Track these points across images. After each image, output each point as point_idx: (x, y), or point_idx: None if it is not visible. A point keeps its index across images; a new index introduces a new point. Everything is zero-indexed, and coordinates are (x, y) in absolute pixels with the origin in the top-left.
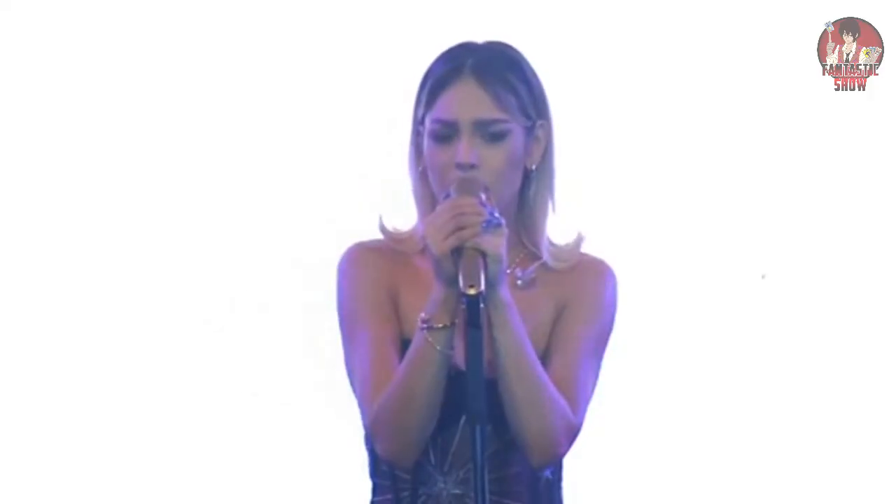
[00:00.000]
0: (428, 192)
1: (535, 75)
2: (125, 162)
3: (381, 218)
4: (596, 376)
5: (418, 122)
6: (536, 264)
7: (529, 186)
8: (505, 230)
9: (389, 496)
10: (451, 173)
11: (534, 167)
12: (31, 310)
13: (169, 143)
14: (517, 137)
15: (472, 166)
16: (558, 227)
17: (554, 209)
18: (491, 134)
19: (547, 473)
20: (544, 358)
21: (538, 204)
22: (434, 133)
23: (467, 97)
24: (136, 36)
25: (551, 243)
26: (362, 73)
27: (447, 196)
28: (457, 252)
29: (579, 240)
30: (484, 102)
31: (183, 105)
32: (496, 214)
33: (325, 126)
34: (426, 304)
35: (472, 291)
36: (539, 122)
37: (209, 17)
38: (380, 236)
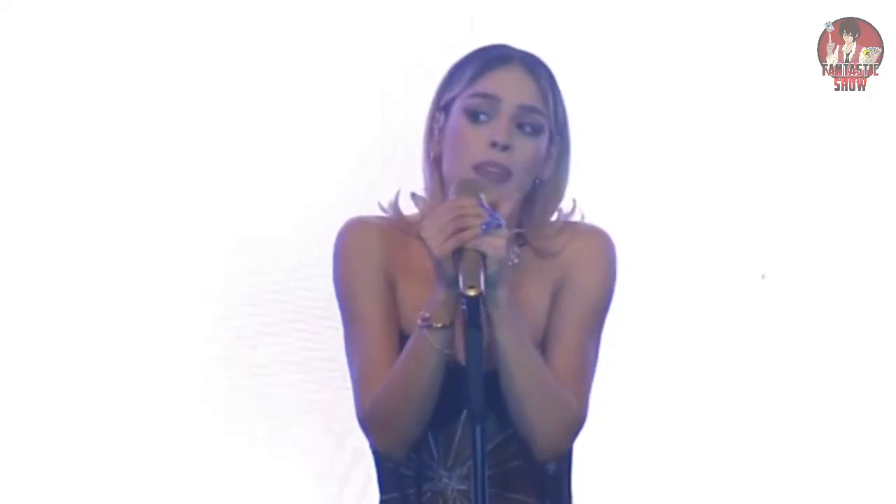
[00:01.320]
0: (437, 179)
1: (560, 92)
2: (124, 161)
3: (397, 195)
4: (596, 357)
5: (439, 108)
6: (524, 249)
7: (536, 199)
8: (505, 231)
9: (396, 494)
10: (480, 153)
11: (544, 179)
12: (26, 309)
13: (167, 142)
14: (545, 137)
15: (507, 147)
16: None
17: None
18: (528, 124)
19: (552, 466)
20: (544, 341)
21: (545, 216)
22: (471, 107)
23: (515, 80)
24: (135, 34)
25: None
26: (365, 70)
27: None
28: (457, 253)
29: (572, 212)
30: (530, 89)
31: (181, 104)
32: (496, 215)
33: (326, 121)
34: (426, 299)
35: (472, 293)
36: (558, 137)
37: (207, 16)
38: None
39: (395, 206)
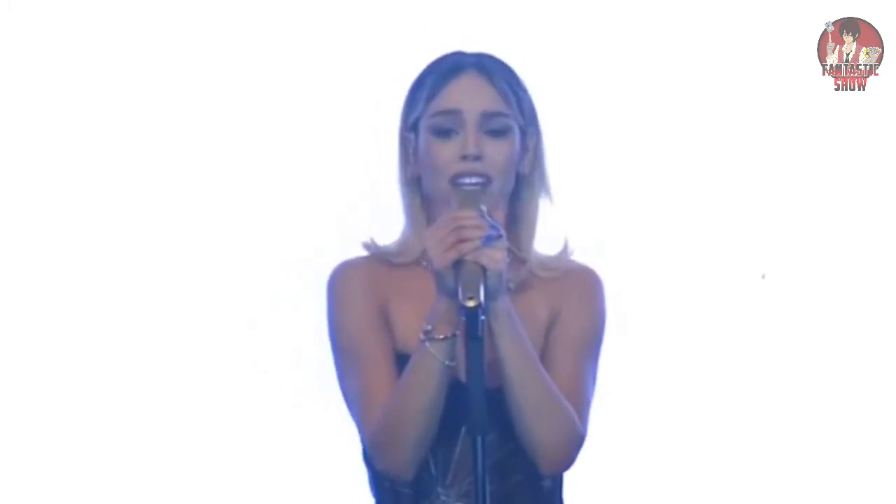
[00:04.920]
0: (417, 201)
1: (524, 84)
2: (116, 163)
3: (371, 239)
4: (594, 383)
5: (407, 128)
6: (523, 268)
7: (521, 194)
8: (505, 243)
9: None
10: (454, 167)
11: (526, 172)
12: (30, 310)
13: (164, 145)
14: (516, 136)
15: (478, 157)
16: (557, 232)
17: (552, 205)
18: (495, 128)
19: (548, 482)
20: (542, 364)
21: (530, 212)
22: (435, 126)
23: (472, 89)
24: (134, 36)
25: (537, 253)
26: (361, 79)
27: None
28: (457, 265)
29: (567, 249)
30: (489, 95)
31: (178, 108)
32: (497, 228)
33: (323, 131)
34: (427, 315)
35: (471, 304)
36: (530, 129)
37: (205, 20)
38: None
39: (373, 247)
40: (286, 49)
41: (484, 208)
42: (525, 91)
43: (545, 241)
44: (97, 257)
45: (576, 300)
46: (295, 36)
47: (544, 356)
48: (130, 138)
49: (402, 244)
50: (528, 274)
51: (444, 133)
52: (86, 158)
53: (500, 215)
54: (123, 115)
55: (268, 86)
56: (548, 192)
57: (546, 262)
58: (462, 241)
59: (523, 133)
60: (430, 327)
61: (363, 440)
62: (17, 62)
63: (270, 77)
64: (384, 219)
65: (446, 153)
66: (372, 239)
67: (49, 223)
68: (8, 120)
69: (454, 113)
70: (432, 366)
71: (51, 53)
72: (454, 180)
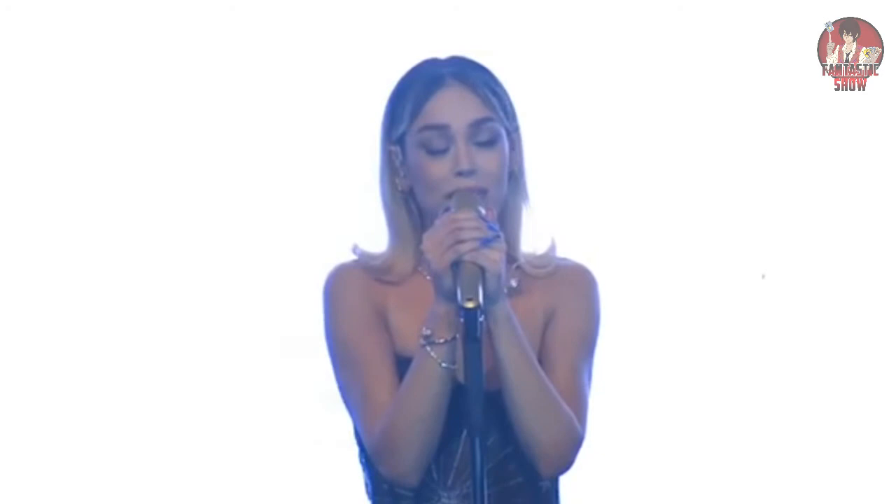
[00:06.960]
0: (404, 214)
1: (502, 84)
2: (115, 163)
3: (359, 248)
4: (590, 381)
5: (392, 142)
6: (513, 267)
7: (508, 193)
8: (503, 244)
9: None
10: (449, 184)
11: (516, 171)
12: (30, 310)
13: (162, 146)
14: (504, 140)
15: (472, 172)
16: (557, 232)
17: (528, 208)
18: (484, 137)
19: (546, 483)
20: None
21: (515, 209)
22: (424, 143)
23: (456, 100)
24: (134, 36)
25: (524, 252)
26: (361, 80)
27: (447, 210)
28: (456, 266)
29: (553, 246)
30: (473, 103)
31: (177, 109)
32: (495, 229)
33: (321, 131)
34: (426, 318)
35: (470, 305)
36: (513, 126)
37: (205, 20)
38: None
39: (364, 258)
40: (286, 50)
41: (482, 209)
42: (504, 90)
43: (544, 241)
44: (96, 258)
45: (570, 299)
46: (294, 36)
47: (541, 356)
48: (129, 139)
49: (390, 261)
50: (519, 273)
51: (433, 149)
52: (86, 158)
53: (489, 216)
54: (123, 115)
55: (267, 86)
56: (525, 196)
57: (535, 261)
58: (460, 242)
59: (509, 134)
60: (429, 331)
61: (361, 444)
62: (17, 62)
63: (269, 78)
64: (382, 221)
65: (439, 170)
66: (359, 248)
67: (50, 223)
68: (7, 119)
69: (441, 128)
70: (433, 370)
71: (51, 53)
72: (451, 197)
